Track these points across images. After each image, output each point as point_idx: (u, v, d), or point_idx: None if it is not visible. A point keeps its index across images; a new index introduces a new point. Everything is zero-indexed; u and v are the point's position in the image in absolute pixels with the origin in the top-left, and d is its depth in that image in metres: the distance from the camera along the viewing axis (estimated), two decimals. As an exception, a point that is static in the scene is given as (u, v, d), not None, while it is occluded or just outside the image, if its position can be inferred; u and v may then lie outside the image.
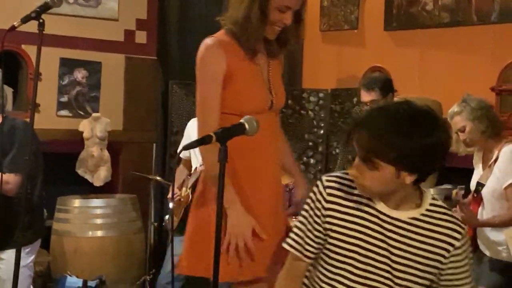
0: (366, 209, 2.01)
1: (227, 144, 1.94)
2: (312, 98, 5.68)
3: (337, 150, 5.30)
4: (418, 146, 1.86)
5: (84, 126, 5.45)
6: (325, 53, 5.87)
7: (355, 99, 5.26)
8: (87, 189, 5.57)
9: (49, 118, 5.25)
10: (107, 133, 5.49)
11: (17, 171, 3.31)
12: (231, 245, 2.34)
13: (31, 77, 5.11)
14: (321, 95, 5.65)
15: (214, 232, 1.95)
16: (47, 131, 4.93)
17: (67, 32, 5.35)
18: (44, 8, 2.46)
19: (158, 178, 4.88)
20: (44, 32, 2.44)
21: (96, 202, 5.16)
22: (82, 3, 5.44)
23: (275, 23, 2.39)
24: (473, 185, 3.60)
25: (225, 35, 2.44)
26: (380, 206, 2.00)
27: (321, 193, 2.07)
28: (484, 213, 3.45)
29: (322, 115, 5.65)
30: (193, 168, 4.16)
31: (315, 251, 2.09)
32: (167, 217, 4.72)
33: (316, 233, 2.07)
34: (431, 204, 2.02)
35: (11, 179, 3.31)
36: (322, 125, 5.65)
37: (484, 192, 3.46)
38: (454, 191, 4.20)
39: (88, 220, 5.06)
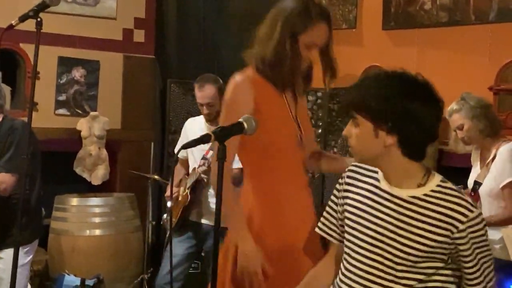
0: (372, 188, 2.02)
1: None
2: (309, 97, 5.68)
3: (335, 149, 5.30)
4: (393, 101, 1.87)
5: (82, 124, 5.45)
6: (323, 52, 5.85)
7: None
8: (85, 188, 5.57)
9: (47, 117, 5.26)
10: (105, 131, 5.49)
11: (14, 171, 3.31)
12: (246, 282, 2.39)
13: (29, 75, 5.11)
14: (319, 94, 5.65)
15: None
16: (45, 129, 4.94)
17: (65, 30, 5.34)
18: (42, 7, 2.46)
19: (156, 177, 4.86)
20: (42, 30, 2.44)
21: (94, 200, 5.16)
22: (80, 1, 5.44)
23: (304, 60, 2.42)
24: (470, 183, 3.60)
25: (253, 72, 2.46)
26: (383, 184, 2.00)
27: (342, 177, 2.13)
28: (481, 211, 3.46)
29: (320, 114, 5.65)
30: (190, 168, 4.14)
31: (340, 232, 2.14)
32: (165, 215, 4.71)
33: (337, 214, 2.14)
34: (438, 185, 1.96)
35: (6, 179, 3.31)
36: (320, 124, 5.65)
37: (481, 190, 3.47)
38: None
39: (86, 219, 5.06)
